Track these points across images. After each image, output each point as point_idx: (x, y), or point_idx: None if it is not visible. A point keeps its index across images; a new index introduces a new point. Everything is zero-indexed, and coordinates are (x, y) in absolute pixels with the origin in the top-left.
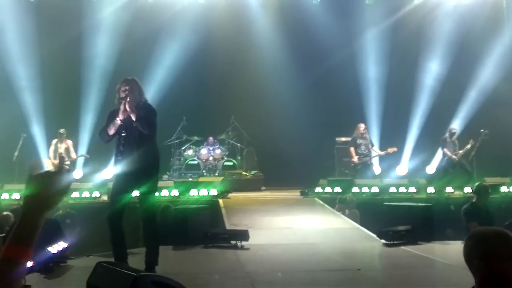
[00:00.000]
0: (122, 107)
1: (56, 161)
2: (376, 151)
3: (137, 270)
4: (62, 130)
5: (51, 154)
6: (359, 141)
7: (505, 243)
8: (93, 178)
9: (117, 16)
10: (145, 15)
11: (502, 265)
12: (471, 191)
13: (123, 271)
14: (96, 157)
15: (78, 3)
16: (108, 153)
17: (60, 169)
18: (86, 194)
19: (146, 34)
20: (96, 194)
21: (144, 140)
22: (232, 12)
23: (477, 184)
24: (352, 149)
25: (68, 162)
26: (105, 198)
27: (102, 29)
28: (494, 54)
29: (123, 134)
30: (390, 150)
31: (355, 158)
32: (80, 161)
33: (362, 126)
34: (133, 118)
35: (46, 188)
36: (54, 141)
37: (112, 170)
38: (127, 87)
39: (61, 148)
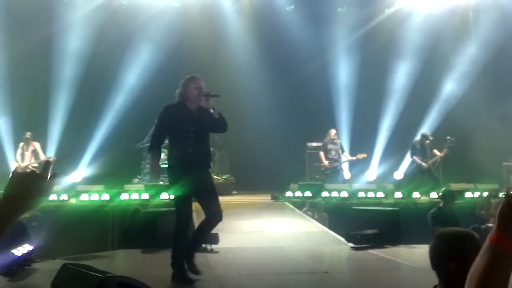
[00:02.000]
0: (204, 101)
1: (24, 165)
2: (346, 156)
3: (104, 272)
4: (28, 134)
5: (19, 157)
6: (329, 146)
7: (477, 243)
8: (61, 181)
9: (90, 18)
10: (119, 18)
11: (461, 263)
12: (437, 196)
13: (89, 272)
14: (64, 160)
15: (50, 3)
16: (76, 156)
17: (46, 172)
18: (53, 197)
19: (120, 37)
20: (64, 197)
21: (208, 137)
22: (206, 17)
23: (443, 189)
24: (322, 153)
25: (36, 165)
26: (73, 201)
27: (74, 30)
28: (461, 63)
29: (192, 129)
30: (360, 156)
31: (325, 163)
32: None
33: (333, 131)
34: (216, 116)
35: (29, 189)
36: (21, 144)
37: (83, 172)
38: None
39: (28, 151)
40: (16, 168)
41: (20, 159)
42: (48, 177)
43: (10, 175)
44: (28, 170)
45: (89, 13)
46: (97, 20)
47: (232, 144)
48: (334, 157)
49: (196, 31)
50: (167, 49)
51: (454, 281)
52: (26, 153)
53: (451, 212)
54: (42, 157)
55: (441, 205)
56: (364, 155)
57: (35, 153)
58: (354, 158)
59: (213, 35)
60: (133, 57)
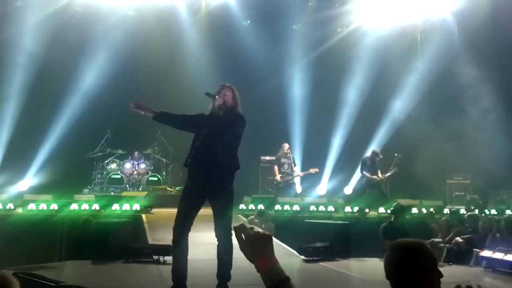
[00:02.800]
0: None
1: None
2: (296, 171)
3: (56, 281)
4: None
5: None
6: (283, 160)
7: (429, 253)
8: (7, 190)
9: (44, 24)
10: (74, 24)
11: (418, 275)
12: (385, 211)
13: (41, 281)
14: (11, 168)
15: (3, 8)
16: (22, 165)
17: None
18: None
19: (73, 44)
20: (10, 206)
21: (223, 143)
22: (163, 28)
23: (394, 204)
24: (276, 167)
25: None
26: (19, 210)
27: (27, 36)
28: (409, 82)
29: (204, 130)
30: (312, 170)
31: (278, 177)
32: None
33: (286, 145)
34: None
35: None
36: None
37: (30, 181)
38: (226, 92)
39: None
40: None
41: None
42: None
43: None
44: None
45: (43, 19)
46: (51, 26)
47: (185, 155)
48: (287, 171)
49: (153, 42)
50: (122, 57)
51: (392, 285)
52: None
53: (402, 226)
54: None
55: (392, 219)
56: (316, 170)
57: None
58: (304, 173)
59: (170, 46)
60: (86, 65)
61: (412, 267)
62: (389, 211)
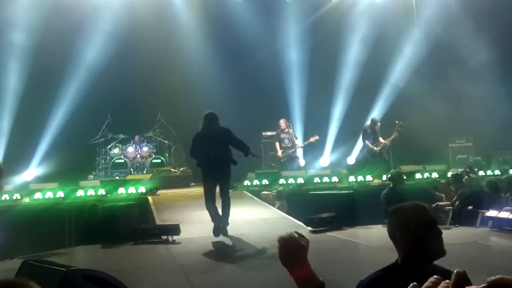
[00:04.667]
0: None
1: None
2: (298, 143)
3: (67, 266)
4: None
5: None
6: (282, 135)
7: (421, 213)
8: (13, 180)
9: (31, 10)
10: (63, 9)
11: (420, 233)
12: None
13: (51, 267)
14: (14, 159)
15: None
16: (25, 155)
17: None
18: (5, 196)
19: (65, 30)
20: (16, 196)
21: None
22: (155, 7)
23: (392, 171)
24: (277, 144)
25: None
26: (26, 200)
27: (19, 22)
28: (406, 48)
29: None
30: (312, 139)
31: (279, 152)
32: None
33: (282, 121)
34: None
35: None
36: None
37: (34, 171)
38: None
39: None
40: None
41: None
42: None
43: None
44: None
45: (32, 3)
46: (38, 12)
47: (187, 136)
48: (288, 145)
49: (146, 22)
50: (116, 40)
51: (401, 248)
52: None
53: (402, 192)
54: None
55: (391, 185)
56: (316, 138)
57: None
58: (305, 143)
59: (163, 26)
60: (81, 50)
61: (401, 226)
62: (387, 178)
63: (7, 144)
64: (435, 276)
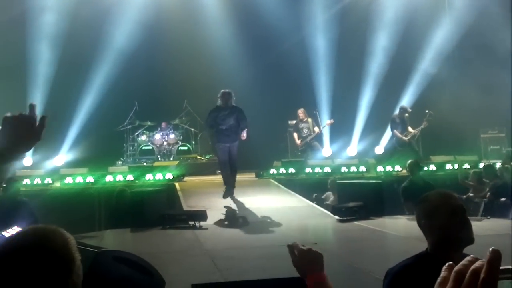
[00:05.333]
0: None
1: None
2: (315, 130)
3: (98, 247)
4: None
5: None
6: (300, 125)
7: (447, 201)
8: (44, 165)
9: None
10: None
11: (446, 221)
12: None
13: (83, 247)
14: (45, 145)
15: None
16: (56, 141)
17: (33, 115)
18: (37, 181)
19: (94, 17)
20: (48, 181)
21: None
22: None
23: (408, 161)
24: (295, 134)
25: None
26: (57, 184)
27: (46, 10)
28: (437, 36)
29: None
30: (328, 122)
31: (298, 142)
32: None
33: (300, 111)
34: None
35: (22, 130)
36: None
37: (65, 156)
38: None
39: None
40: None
41: None
42: (37, 119)
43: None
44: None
45: None
46: (73, 1)
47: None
48: (307, 134)
49: (172, 10)
50: (144, 29)
51: (428, 237)
52: None
53: (422, 181)
54: None
55: (411, 177)
56: (331, 121)
57: None
58: (322, 127)
59: (189, 14)
60: (110, 37)
61: (424, 214)
62: (405, 169)
63: None
64: (472, 255)
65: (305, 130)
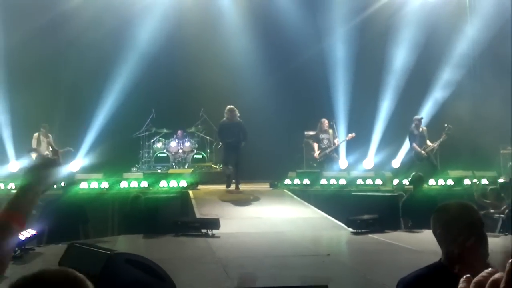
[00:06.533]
0: None
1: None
2: (336, 142)
3: (111, 250)
4: (45, 125)
5: (35, 147)
6: (321, 136)
7: (465, 213)
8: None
9: (85, 7)
10: (114, 6)
11: (462, 233)
12: (435, 183)
13: (96, 250)
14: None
15: None
16: (73, 146)
17: (57, 159)
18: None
19: (115, 26)
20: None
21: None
22: (201, 3)
23: (413, 174)
24: (315, 144)
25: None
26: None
27: (71, 19)
28: (457, 50)
29: None
30: (349, 136)
31: (316, 153)
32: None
33: (325, 121)
34: None
35: (48, 173)
36: (36, 134)
37: (81, 162)
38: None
39: (45, 141)
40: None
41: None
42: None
43: (31, 160)
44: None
45: (84, 1)
46: (91, 8)
47: None
48: (327, 146)
49: (191, 19)
50: (163, 37)
51: (443, 247)
52: (42, 143)
53: (425, 196)
54: (56, 148)
55: (412, 191)
56: (353, 135)
57: (49, 144)
58: (343, 140)
59: (209, 23)
60: (129, 46)
61: (439, 224)
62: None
63: (57, 137)
64: (491, 268)
65: (325, 141)
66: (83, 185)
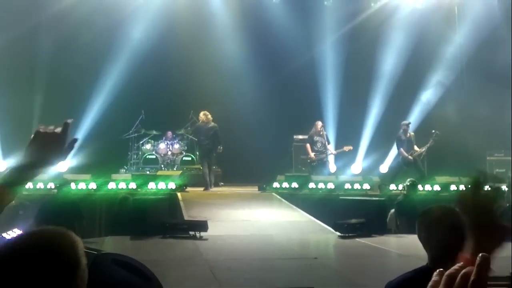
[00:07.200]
0: None
1: None
2: (330, 150)
3: (97, 250)
4: (42, 127)
5: None
6: (316, 138)
7: (447, 215)
8: (48, 170)
9: (75, 8)
10: (104, 7)
11: (445, 235)
12: (422, 189)
13: (84, 250)
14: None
15: None
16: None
17: (65, 133)
18: (40, 185)
19: (106, 27)
20: (51, 185)
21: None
22: (192, 7)
23: (407, 180)
24: (308, 146)
25: None
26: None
27: (61, 19)
28: (446, 57)
29: None
30: (346, 148)
31: (312, 155)
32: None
33: (319, 123)
34: None
35: (50, 147)
36: (42, 126)
37: (69, 162)
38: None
39: None
40: (38, 128)
41: None
42: (67, 138)
43: (33, 134)
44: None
45: (74, 2)
46: (84, 9)
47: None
48: (320, 149)
49: (183, 22)
50: (153, 40)
51: (428, 250)
52: None
53: (417, 200)
54: None
55: (405, 193)
56: (350, 148)
57: None
58: (338, 151)
59: (200, 26)
60: (119, 47)
61: (428, 227)
62: (402, 187)
63: None
64: (462, 263)
65: (319, 144)
66: (72, 186)
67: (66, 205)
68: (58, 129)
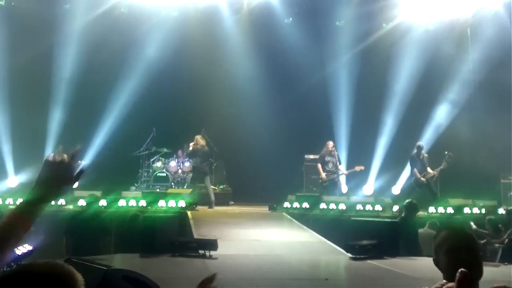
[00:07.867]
0: None
1: None
2: (342, 170)
3: (108, 266)
4: (60, 147)
5: None
6: (327, 158)
7: (446, 238)
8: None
9: (91, 27)
10: (119, 27)
11: (444, 258)
12: (435, 211)
13: (93, 265)
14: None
15: (52, 12)
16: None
17: (74, 161)
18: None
19: (119, 46)
20: (61, 202)
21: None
22: (206, 28)
23: (406, 201)
24: (319, 165)
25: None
26: (70, 207)
27: (76, 39)
28: (458, 78)
29: None
30: (358, 168)
31: (323, 175)
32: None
33: (331, 143)
34: None
35: (59, 175)
36: (51, 155)
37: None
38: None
39: None
40: (48, 156)
41: None
42: (76, 166)
43: (43, 162)
44: (59, 159)
45: (90, 22)
46: (97, 29)
47: (229, 154)
48: (332, 169)
49: (196, 42)
50: (166, 59)
51: (446, 275)
52: None
53: (412, 225)
54: None
55: (402, 215)
56: (362, 167)
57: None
58: (349, 171)
59: (212, 46)
60: (132, 65)
61: (435, 250)
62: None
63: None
64: (445, 280)
65: (330, 165)
66: (81, 203)
67: (94, 221)
68: (66, 157)
